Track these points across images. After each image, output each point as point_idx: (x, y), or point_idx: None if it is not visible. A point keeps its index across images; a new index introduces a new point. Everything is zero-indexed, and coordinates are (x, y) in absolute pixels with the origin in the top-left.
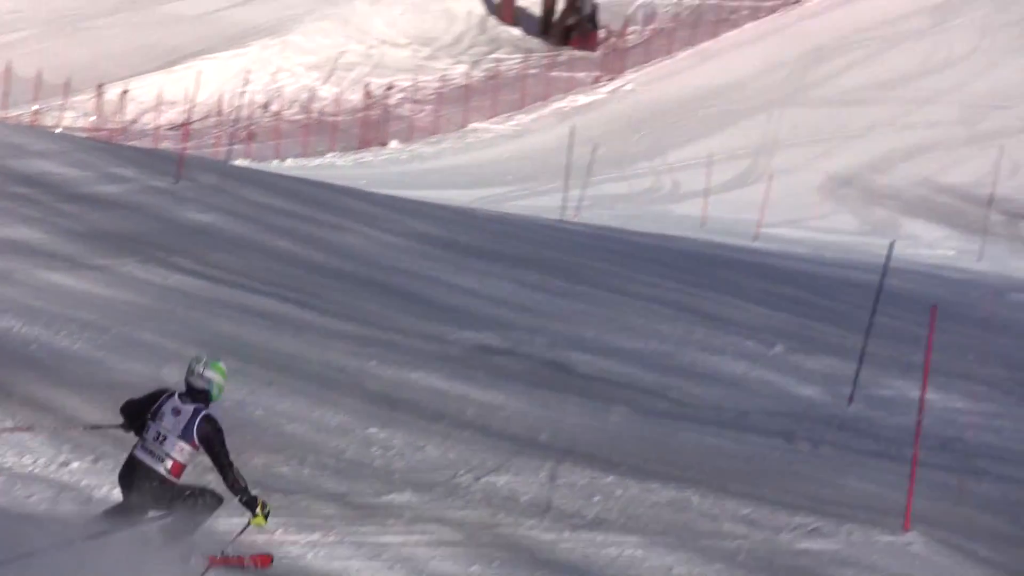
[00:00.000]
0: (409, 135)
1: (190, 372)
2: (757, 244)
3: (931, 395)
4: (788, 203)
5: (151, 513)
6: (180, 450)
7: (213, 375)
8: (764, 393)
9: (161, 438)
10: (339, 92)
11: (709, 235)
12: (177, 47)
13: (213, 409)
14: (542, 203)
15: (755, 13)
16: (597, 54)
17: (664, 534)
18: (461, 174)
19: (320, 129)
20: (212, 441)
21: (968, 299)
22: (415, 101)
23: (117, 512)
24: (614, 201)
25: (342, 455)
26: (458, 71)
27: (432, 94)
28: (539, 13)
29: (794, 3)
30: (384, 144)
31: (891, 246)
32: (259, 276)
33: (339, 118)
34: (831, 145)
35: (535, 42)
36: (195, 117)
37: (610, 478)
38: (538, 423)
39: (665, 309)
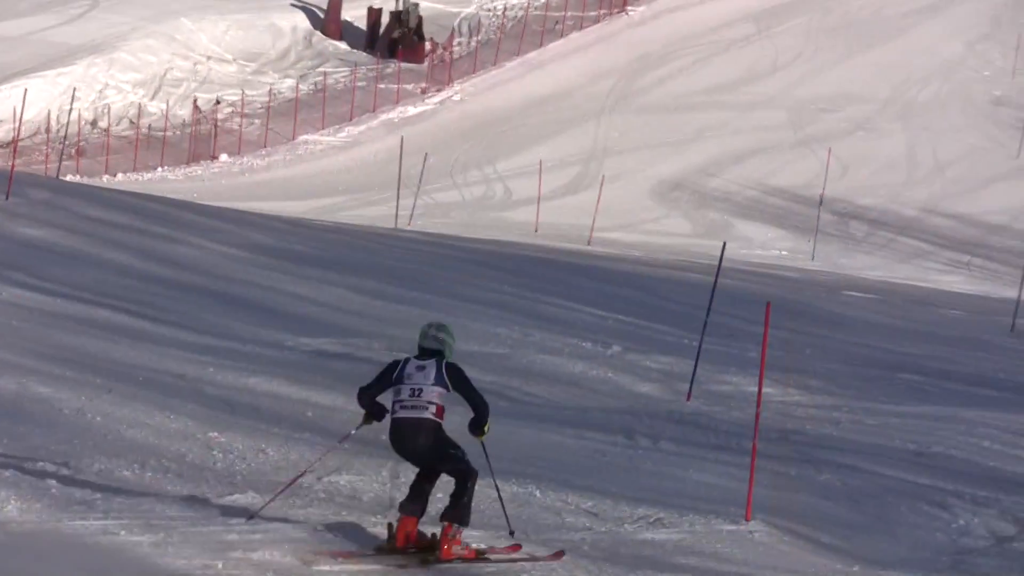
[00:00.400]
0: (238, 149)
1: (423, 336)
2: (591, 248)
3: (769, 389)
4: (620, 208)
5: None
6: (438, 395)
7: (444, 336)
8: (603, 391)
9: (417, 391)
10: (167, 108)
11: (543, 240)
12: (2, 66)
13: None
14: (375, 212)
15: (580, 23)
16: (424, 66)
17: (506, 528)
18: (293, 186)
19: (149, 144)
20: (460, 379)
21: (802, 297)
22: (244, 115)
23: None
24: (447, 209)
25: (184, 459)
26: (286, 85)
27: (261, 108)
28: (364, 27)
29: (619, 12)
30: (214, 158)
31: (723, 246)
32: (94, 288)
33: (168, 133)
34: (661, 150)
35: (362, 55)
36: (23, 135)
37: None
38: (378, 425)
39: (501, 313)
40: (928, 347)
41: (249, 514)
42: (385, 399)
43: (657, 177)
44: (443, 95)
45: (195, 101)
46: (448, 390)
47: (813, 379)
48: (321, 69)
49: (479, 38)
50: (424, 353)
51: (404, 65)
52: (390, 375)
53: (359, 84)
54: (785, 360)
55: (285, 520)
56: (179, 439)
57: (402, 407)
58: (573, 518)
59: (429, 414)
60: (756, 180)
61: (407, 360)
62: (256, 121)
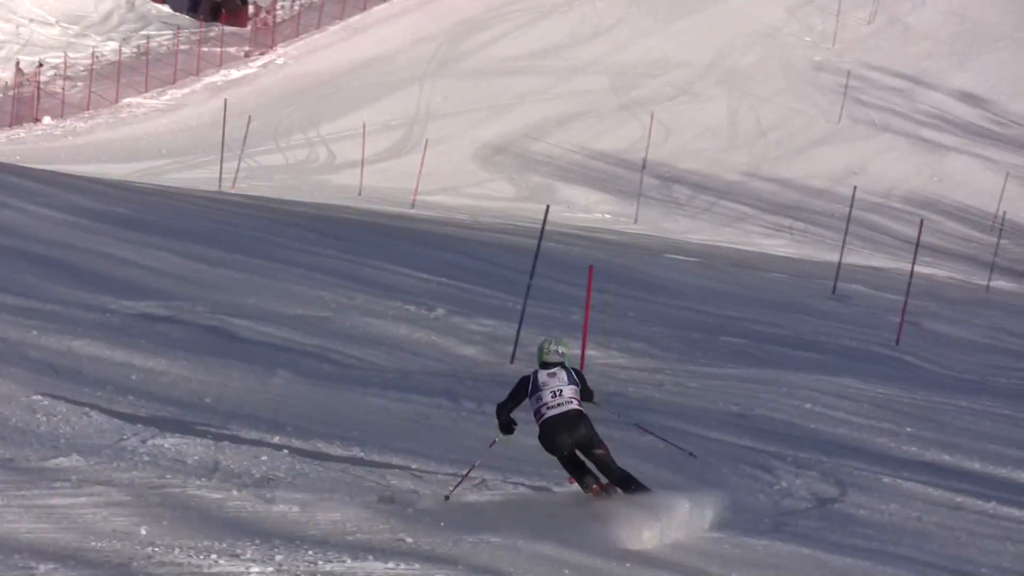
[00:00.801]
0: (61, 111)
1: (546, 353)
2: (415, 212)
3: (592, 352)
4: (444, 172)
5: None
6: (573, 391)
7: (563, 349)
8: (427, 354)
9: (558, 392)
10: None
11: (367, 204)
12: None
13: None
14: (199, 175)
15: None
16: (247, 29)
17: (331, 491)
18: (116, 148)
19: None
20: (583, 378)
21: (625, 260)
22: (67, 78)
23: (585, 469)
24: (271, 172)
25: (7, 422)
26: (109, 48)
27: (83, 71)
28: None
29: None
30: (37, 120)
31: (547, 210)
32: None
33: None
34: (484, 114)
35: (185, 19)
36: None
37: (276, 438)
38: (202, 387)
39: (325, 276)
40: (750, 310)
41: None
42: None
43: (480, 141)
44: (266, 59)
45: (17, 64)
46: (579, 387)
47: (635, 342)
48: (144, 32)
49: (302, 2)
50: (545, 365)
51: (227, 29)
52: (524, 390)
53: (182, 47)
54: (608, 323)
55: (109, 483)
56: (2, 402)
57: (549, 408)
58: (397, 480)
59: (576, 404)
60: (579, 144)
61: (535, 374)
62: (79, 84)
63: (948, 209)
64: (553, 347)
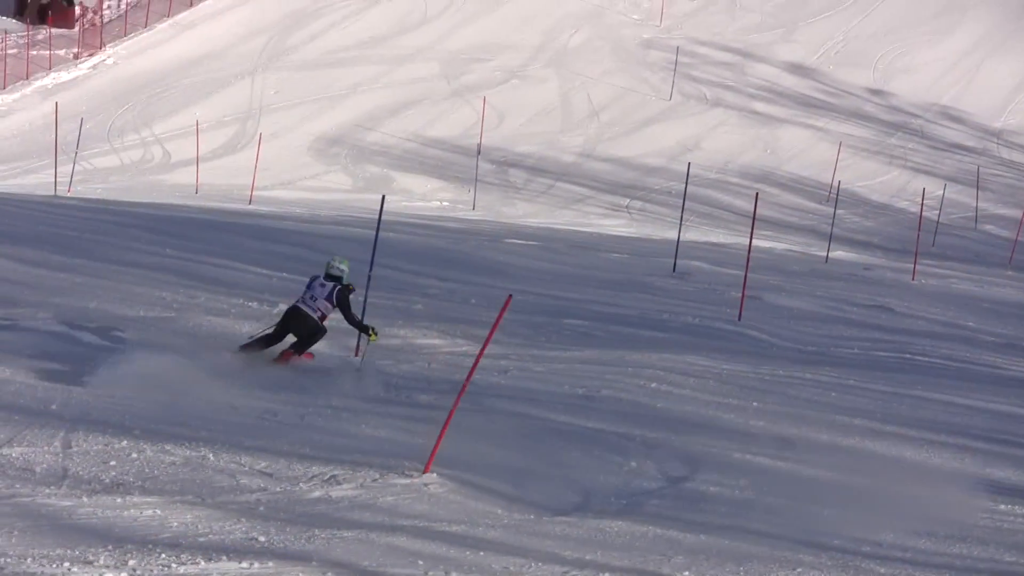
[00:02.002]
0: None
1: (329, 267)
2: (253, 207)
3: (436, 340)
4: (280, 166)
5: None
6: (324, 307)
7: (343, 266)
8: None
9: (313, 298)
10: None
11: (204, 201)
12: None
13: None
14: (34, 181)
15: None
16: (75, 31)
17: (182, 493)
18: None
19: None
20: (343, 301)
21: (465, 247)
22: None
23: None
24: (106, 174)
25: None
26: None
27: None
28: None
29: None
30: None
31: (383, 200)
32: None
33: None
34: (318, 106)
35: (11, 22)
36: None
37: (124, 443)
38: (48, 394)
39: (166, 276)
40: (592, 291)
41: None
42: None
43: (315, 133)
44: (96, 60)
45: None
46: (333, 306)
47: (480, 329)
48: None
49: (129, 1)
50: (328, 276)
51: (55, 31)
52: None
53: (10, 52)
54: (451, 311)
55: None
56: None
57: (302, 302)
58: (248, 479)
59: (315, 315)
60: (413, 132)
61: (316, 277)
62: None
63: (783, 181)
64: (336, 264)
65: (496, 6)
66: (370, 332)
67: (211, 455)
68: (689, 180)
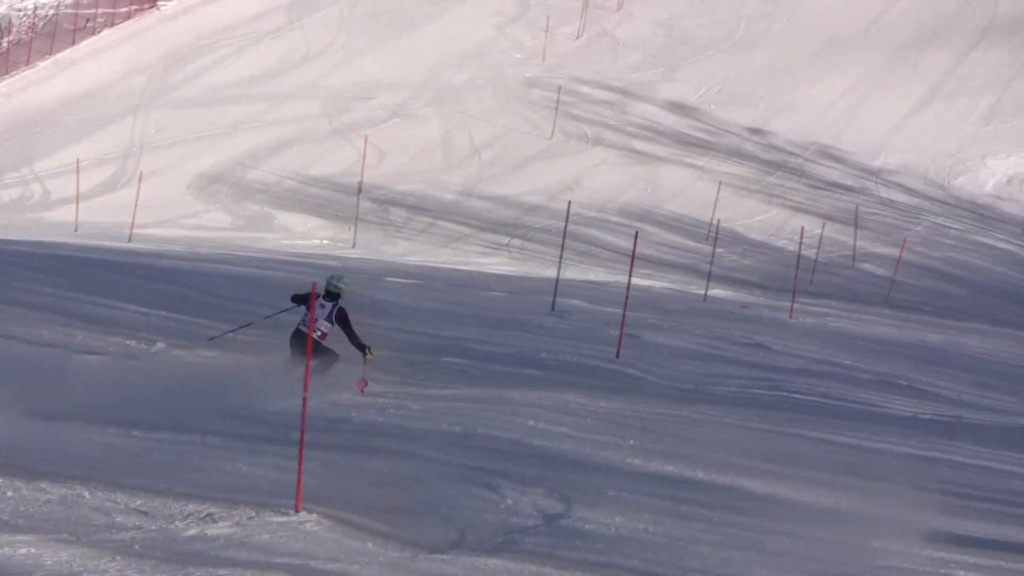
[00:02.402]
0: None
1: (328, 284)
2: (132, 245)
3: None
4: (160, 204)
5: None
6: (326, 327)
7: (342, 285)
8: (148, 389)
9: (316, 319)
10: None
11: (83, 240)
12: None
13: (343, 303)
14: None
15: (112, 19)
16: None
17: (57, 531)
18: None
19: None
20: (345, 320)
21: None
22: None
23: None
24: None
25: None
26: None
27: None
28: None
29: (150, 8)
30: None
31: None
32: None
33: None
34: (199, 144)
35: None
36: None
37: None
38: None
39: (43, 314)
40: (471, 330)
41: None
42: None
43: (196, 171)
44: None
45: None
46: (333, 325)
47: (357, 367)
48: None
49: (10, 39)
50: (327, 295)
51: None
52: (301, 302)
53: None
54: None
55: None
56: None
57: (304, 325)
58: (123, 517)
59: (317, 335)
60: (294, 171)
61: (317, 296)
62: None
63: (663, 220)
64: (335, 282)
65: (378, 45)
66: (367, 350)
67: (87, 493)
68: (569, 218)
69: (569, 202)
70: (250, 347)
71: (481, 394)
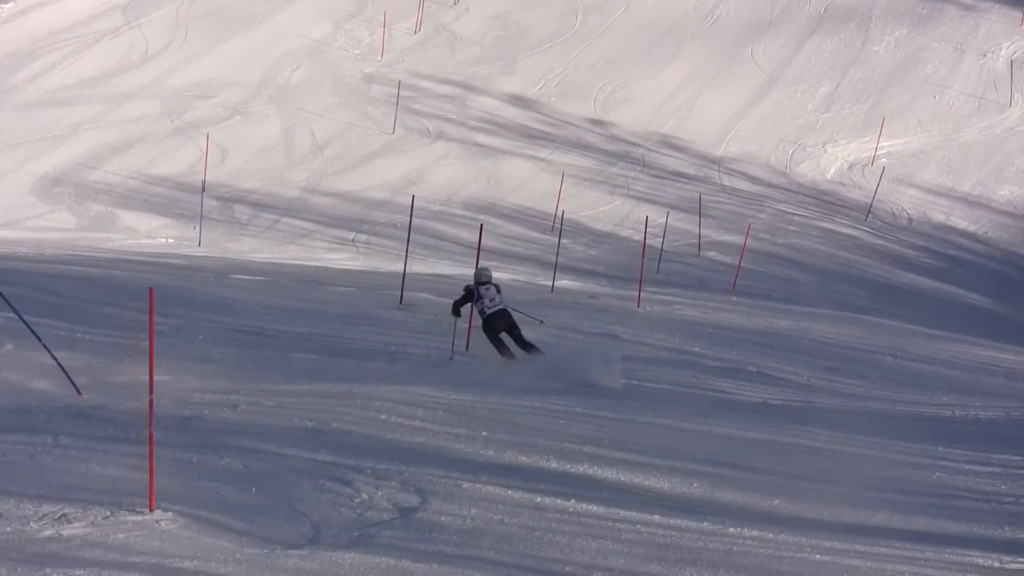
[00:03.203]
0: None
1: (482, 275)
2: None
3: (165, 377)
4: (3, 206)
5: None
6: (501, 298)
7: (492, 273)
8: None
9: (495, 298)
10: None
11: None
12: None
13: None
14: None
15: None
16: None
17: None
18: None
19: None
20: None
21: (191, 283)
22: None
23: (504, 345)
24: None
25: None
26: None
27: None
28: None
29: None
30: None
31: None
32: None
33: None
34: (40, 146)
35: None
36: None
37: None
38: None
39: None
40: (320, 325)
41: None
42: None
43: (38, 173)
44: None
45: None
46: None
47: (208, 364)
48: None
49: None
50: (484, 283)
51: None
52: (471, 296)
53: None
54: (178, 347)
55: None
56: None
57: (491, 304)
58: None
59: (503, 306)
60: (137, 170)
61: (479, 285)
62: None
63: (507, 212)
64: (487, 273)
65: (216, 44)
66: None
67: None
68: (414, 213)
69: (413, 196)
70: (100, 348)
71: (332, 389)
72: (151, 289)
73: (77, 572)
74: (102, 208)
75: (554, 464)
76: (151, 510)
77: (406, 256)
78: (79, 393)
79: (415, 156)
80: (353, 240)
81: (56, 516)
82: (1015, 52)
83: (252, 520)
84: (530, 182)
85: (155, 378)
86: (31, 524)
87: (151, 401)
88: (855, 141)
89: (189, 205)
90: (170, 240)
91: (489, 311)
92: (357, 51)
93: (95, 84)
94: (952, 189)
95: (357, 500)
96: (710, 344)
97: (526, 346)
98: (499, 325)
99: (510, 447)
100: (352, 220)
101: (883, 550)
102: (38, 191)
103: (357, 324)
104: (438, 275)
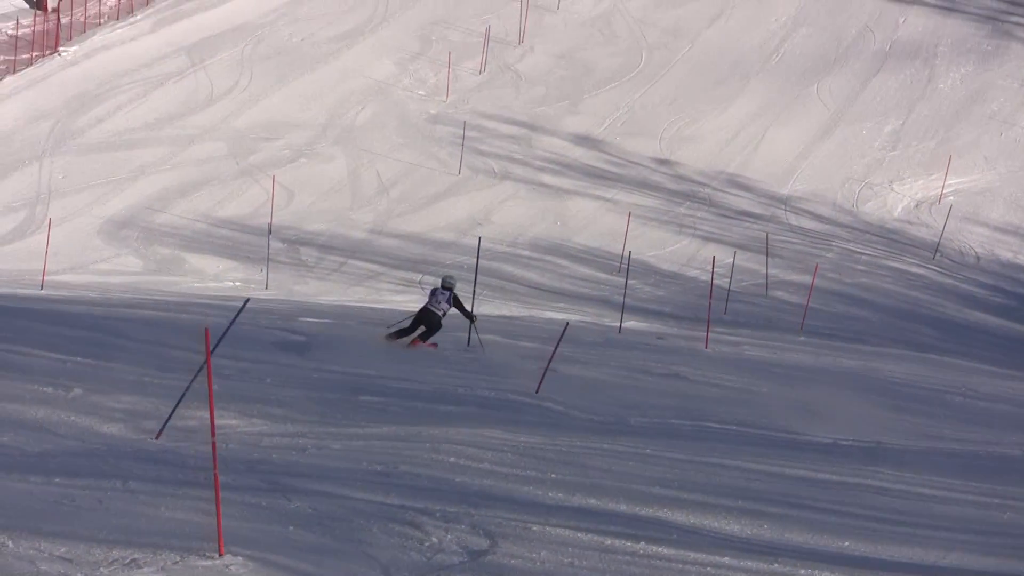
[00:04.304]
0: None
1: (444, 281)
2: (45, 292)
3: (233, 420)
4: (70, 250)
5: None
6: (446, 307)
7: (454, 280)
8: (67, 435)
9: (438, 302)
10: None
11: None
12: None
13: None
14: None
15: (13, 67)
16: None
17: None
18: None
19: None
20: (458, 302)
21: (259, 326)
22: None
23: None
24: None
25: None
26: None
27: None
28: None
29: (51, 54)
30: None
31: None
32: None
33: None
34: (106, 189)
35: None
36: None
37: None
38: None
39: None
40: (387, 367)
41: None
42: None
43: (104, 216)
44: None
45: None
46: (450, 307)
47: (275, 407)
48: None
49: None
50: (443, 287)
51: None
52: (458, 302)
53: None
54: (246, 390)
55: None
56: None
57: (431, 304)
58: (48, 566)
59: (440, 312)
60: (203, 213)
61: (436, 289)
62: None
63: (574, 253)
64: (448, 279)
65: (280, 85)
66: (473, 319)
67: (10, 542)
68: (480, 254)
69: (480, 237)
70: (168, 392)
71: (400, 432)
72: (207, 329)
73: None
74: (168, 251)
75: (623, 506)
76: (220, 554)
77: (473, 297)
78: (156, 438)
79: (481, 197)
80: (419, 282)
81: (126, 561)
82: None
83: (321, 563)
84: (596, 222)
85: (223, 421)
86: (101, 569)
87: (214, 444)
88: (922, 179)
89: (255, 247)
90: (237, 283)
91: (426, 305)
92: (422, 91)
93: (160, 126)
94: (1020, 227)
95: (426, 543)
96: (778, 384)
97: (422, 339)
98: (422, 318)
99: (579, 489)
100: (418, 261)
101: None
102: (104, 235)
103: (425, 366)
104: (505, 316)
